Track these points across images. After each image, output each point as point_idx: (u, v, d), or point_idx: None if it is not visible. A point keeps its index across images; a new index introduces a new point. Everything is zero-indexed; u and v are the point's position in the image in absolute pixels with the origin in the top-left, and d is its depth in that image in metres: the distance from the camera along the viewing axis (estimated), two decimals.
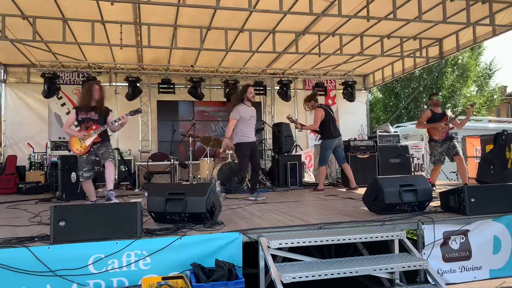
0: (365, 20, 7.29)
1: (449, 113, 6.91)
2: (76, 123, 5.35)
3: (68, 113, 10.21)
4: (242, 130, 6.11)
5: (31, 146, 9.46)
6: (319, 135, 7.35)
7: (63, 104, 10.23)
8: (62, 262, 3.03)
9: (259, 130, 8.92)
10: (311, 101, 7.30)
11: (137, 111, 5.55)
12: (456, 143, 6.79)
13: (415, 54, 9.68)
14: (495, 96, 21.89)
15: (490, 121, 14.43)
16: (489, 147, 7.82)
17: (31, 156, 9.11)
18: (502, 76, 58.55)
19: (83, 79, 9.92)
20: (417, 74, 19.79)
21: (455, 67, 20.16)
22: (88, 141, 5.17)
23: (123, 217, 3.31)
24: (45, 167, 8.71)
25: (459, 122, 6.87)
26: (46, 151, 8.93)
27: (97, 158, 5.31)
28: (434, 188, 6.38)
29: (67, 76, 10.19)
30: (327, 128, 7.06)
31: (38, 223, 4.14)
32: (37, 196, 6.96)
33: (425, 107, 18.56)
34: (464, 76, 20.07)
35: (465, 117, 6.89)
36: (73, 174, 6.51)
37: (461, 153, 6.81)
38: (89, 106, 5.25)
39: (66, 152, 8.03)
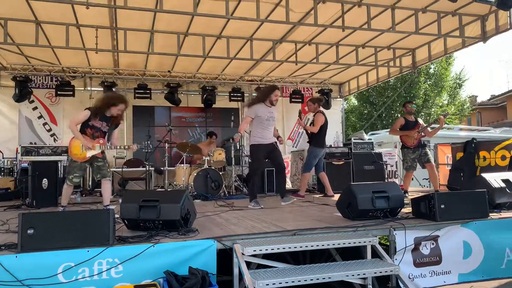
0: (341, 30, 7.44)
1: (421, 121, 7.10)
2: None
3: (40, 117, 9.98)
4: (258, 131, 5.86)
5: (0, 152, 9.17)
6: (309, 139, 7.26)
7: (35, 108, 9.97)
8: (30, 272, 2.94)
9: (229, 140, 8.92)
10: (315, 104, 7.21)
11: (147, 147, 5.53)
12: (428, 150, 6.97)
13: (389, 63, 9.92)
14: (465, 106, 22.60)
15: (461, 129, 14.88)
16: (460, 155, 8.06)
17: (0, 162, 8.82)
18: (473, 86, 60.61)
19: (56, 83, 9.71)
20: (391, 83, 20.25)
21: (427, 77, 20.75)
22: (90, 153, 5.00)
23: (95, 224, 3.25)
24: (15, 173, 8.46)
25: (430, 130, 7.05)
26: (16, 157, 8.65)
27: (88, 166, 5.19)
28: (406, 195, 6.52)
29: (39, 80, 9.94)
30: (321, 136, 7.10)
31: (5, 231, 4.01)
32: (6, 203, 6.73)
33: (399, 115, 18.99)
34: (438, 85, 20.66)
35: (437, 125, 7.09)
36: (45, 180, 6.35)
37: (432, 160, 7.00)
38: (105, 115, 5.08)
39: (37, 158, 7.82)
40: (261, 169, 5.82)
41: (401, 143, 7.14)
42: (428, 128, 6.96)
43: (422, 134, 6.85)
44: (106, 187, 5.20)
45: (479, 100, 29.71)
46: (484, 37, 7.79)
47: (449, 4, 5.96)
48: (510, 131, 13.64)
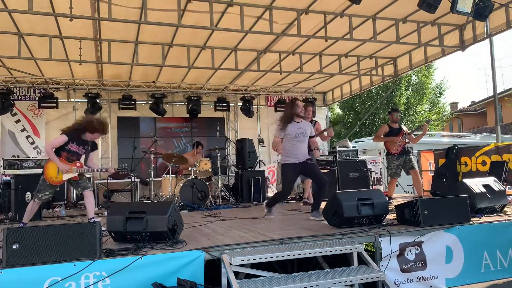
0: (324, 40, 7.56)
1: (405, 128, 7.21)
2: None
3: (23, 129, 9.83)
4: (287, 150, 5.45)
5: None
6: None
7: (17, 121, 9.83)
8: (15, 287, 2.90)
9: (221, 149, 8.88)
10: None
11: (124, 169, 5.45)
12: (412, 157, 7.07)
13: (371, 72, 10.10)
14: (445, 113, 23.08)
15: (443, 136, 15.18)
16: (442, 161, 8.24)
17: None
18: (454, 93, 61.97)
19: (39, 95, 9.62)
20: (374, 91, 20.58)
21: (409, 85, 21.16)
22: (66, 176, 4.92)
23: (82, 237, 3.23)
24: None
25: (414, 137, 7.16)
26: None
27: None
28: (391, 201, 6.61)
29: (22, 92, 9.84)
30: None
31: None
32: None
33: (382, 123, 19.28)
34: (420, 93, 21.07)
35: (421, 132, 7.20)
36: (28, 194, 6.24)
37: (416, 167, 7.10)
38: (81, 139, 5.01)
39: (20, 171, 7.70)
40: (289, 188, 5.51)
41: (385, 150, 7.25)
42: (412, 135, 7.08)
43: (406, 140, 6.96)
44: (90, 200, 5.07)
45: (460, 106, 30.30)
46: (462, 46, 8.03)
47: (428, 14, 6.13)
48: (490, 137, 13.94)
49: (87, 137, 5.04)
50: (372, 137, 10.89)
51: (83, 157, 5.16)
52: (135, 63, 8.14)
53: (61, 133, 5.01)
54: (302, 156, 5.41)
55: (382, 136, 7.10)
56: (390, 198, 6.90)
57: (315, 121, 7.14)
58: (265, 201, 5.94)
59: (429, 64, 18.48)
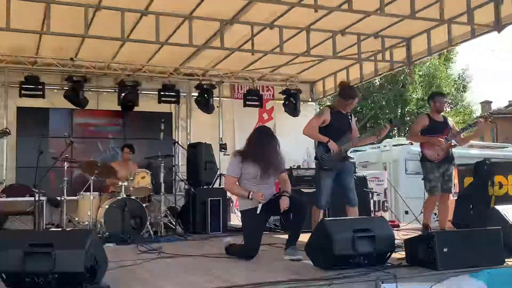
0: (313, 10, 7.63)
1: (452, 123, 7.00)
2: None
3: None
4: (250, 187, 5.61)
5: None
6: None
7: None
8: None
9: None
10: None
11: (5, 133, 5.30)
12: (453, 171, 6.96)
13: (376, 56, 10.27)
14: (475, 114, 23.63)
15: (470, 146, 15.56)
16: (469, 181, 8.43)
17: None
18: (484, 89, 64.05)
19: None
20: (378, 84, 20.86)
21: (421, 77, 21.56)
22: None
23: None
24: None
25: (462, 137, 6.95)
26: None
27: None
28: (429, 231, 6.49)
29: None
30: None
31: None
32: None
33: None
34: (432, 85, 21.43)
35: (475, 129, 6.97)
36: None
37: (452, 189, 7.04)
38: None
39: None
40: (254, 243, 5.51)
41: (420, 153, 7.03)
42: (461, 135, 6.85)
43: (453, 143, 6.80)
44: None
45: (494, 107, 30.93)
46: (498, 25, 8.21)
47: None
48: None
49: None
50: (375, 146, 11.04)
51: None
52: (45, 32, 7.98)
53: None
54: (268, 195, 5.60)
55: (419, 133, 6.84)
56: (427, 226, 6.85)
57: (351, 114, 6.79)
58: (226, 247, 5.87)
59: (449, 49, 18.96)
